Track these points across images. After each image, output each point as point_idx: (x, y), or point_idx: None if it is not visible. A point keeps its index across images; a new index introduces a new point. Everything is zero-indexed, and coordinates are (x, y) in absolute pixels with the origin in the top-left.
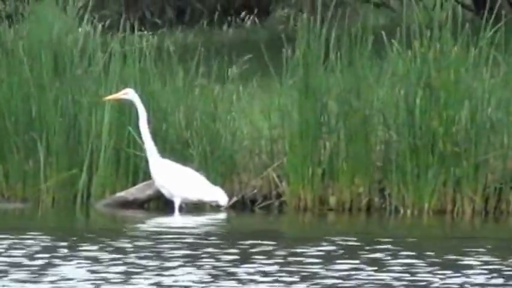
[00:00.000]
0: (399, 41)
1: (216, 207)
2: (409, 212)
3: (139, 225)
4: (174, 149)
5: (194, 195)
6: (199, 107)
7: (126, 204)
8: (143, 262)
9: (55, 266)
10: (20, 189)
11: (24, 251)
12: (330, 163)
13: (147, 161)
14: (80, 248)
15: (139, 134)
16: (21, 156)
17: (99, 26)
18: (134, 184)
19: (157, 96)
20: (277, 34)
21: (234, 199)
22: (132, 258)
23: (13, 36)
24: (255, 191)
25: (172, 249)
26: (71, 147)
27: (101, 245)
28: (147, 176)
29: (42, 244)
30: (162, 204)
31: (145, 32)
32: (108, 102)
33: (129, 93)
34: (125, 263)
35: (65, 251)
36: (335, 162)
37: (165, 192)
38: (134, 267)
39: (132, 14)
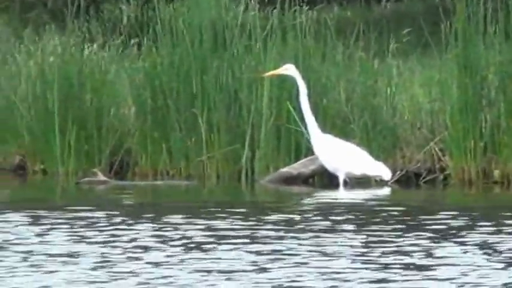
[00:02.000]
0: None
1: (380, 182)
2: None
3: (305, 199)
4: (335, 124)
5: (358, 170)
6: (359, 82)
7: (291, 179)
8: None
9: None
10: (184, 167)
11: (193, 226)
12: (492, 136)
13: (308, 136)
14: (246, 225)
15: (299, 109)
16: (183, 133)
17: (256, 2)
18: (297, 159)
19: (317, 71)
20: (435, 6)
21: (398, 174)
22: (299, 232)
23: (173, 14)
24: (419, 165)
25: (339, 222)
26: (232, 123)
27: (268, 219)
28: (310, 151)
29: (210, 222)
30: (326, 179)
31: (304, 7)
32: (268, 78)
33: (290, 69)
34: (293, 237)
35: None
36: (496, 136)
37: (329, 167)
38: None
39: None
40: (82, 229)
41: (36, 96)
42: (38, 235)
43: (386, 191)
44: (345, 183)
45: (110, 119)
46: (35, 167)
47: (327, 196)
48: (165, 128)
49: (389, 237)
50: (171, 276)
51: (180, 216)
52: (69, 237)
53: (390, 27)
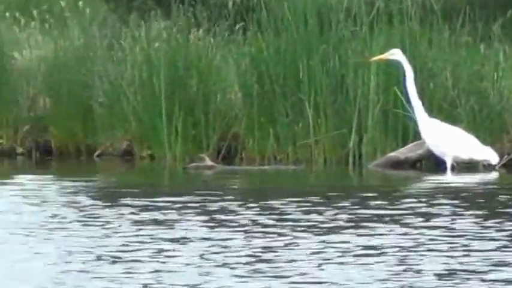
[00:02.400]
0: None
1: (487, 167)
2: None
3: (412, 184)
4: (441, 109)
5: (465, 155)
6: (466, 66)
7: (398, 164)
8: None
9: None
10: (291, 151)
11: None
12: None
13: (415, 121)
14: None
15: (406, 94)
16: (290, 118)
17: None
18: (404, 144)
19: (423, 56)
20: None
21: (505, 158)
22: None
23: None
24: None
25: (447, 206)
26: (339, 108)
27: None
28: (417, 136)
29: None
30: (433, 163)
31: None
32: (375, 62)
33: (396, 54)
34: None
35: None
36: None
37: (436, 151)
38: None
39: None
40: (190, 214)
41: (143, 82)
42: (145, 221)
43: (493, 175)
44: (452, 167)
45: (216, 104)
46: (142, 152)
47: (434, 180)
48: (272, 113)
49: (498, 222)
50: (293, 261)
51: (287, 200)
52: (177, 223)
53: (496, 12)
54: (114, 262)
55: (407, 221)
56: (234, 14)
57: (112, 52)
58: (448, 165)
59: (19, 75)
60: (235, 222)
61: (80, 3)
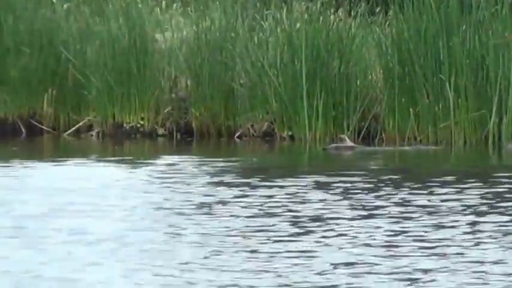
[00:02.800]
0: None
1: None
2: None
3: None
4: None
5: None
6: None
7: None
8: None
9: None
10: (431, 132)
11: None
12: None
13: None
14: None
15: None
16: (430, 99)
17: None
18: None
19: None
20: None
21: None
22: None
23: None
24: None
25: None
26: (480, 89)
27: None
28: None
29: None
30: None
31: None
32: None
33: None
34: None
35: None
36: None
37: None
38: None
39: None
40: (332, 194)
41: (284, 63)
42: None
43: None
44: None
45: (357, 85)
46: (282, 133)
47: None
48: (413, 94)
49: None
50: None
51: (432, 181)
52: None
53: None
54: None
55: None
56: None
57: (253, 33)
58: None
59: (161, 57)
60: (384, 206)
61: None
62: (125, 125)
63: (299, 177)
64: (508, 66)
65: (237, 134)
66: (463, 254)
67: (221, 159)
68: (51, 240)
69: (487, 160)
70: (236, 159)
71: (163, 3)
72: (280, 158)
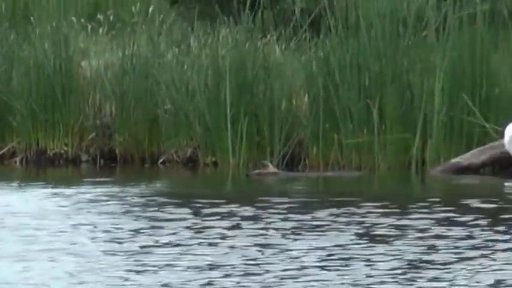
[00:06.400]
0: None
1: None
2: None
3: (476, 191)
4: (507, 114)
5: None
6: None
7: (461, 170)
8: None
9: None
10: (355, 158)
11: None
12: None
13: (481, 127)
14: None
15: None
16: (354, 124)
17: None
18: (468, 150)
19: (490, 60)
20: None
21: None
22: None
23: (348, 4)
24: None
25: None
26: (404, 113)
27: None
28: (482, 142)
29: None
30: (497, 169)
31: None
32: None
33: None
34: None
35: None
36: None
37: None
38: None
39: None
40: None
41: (209, 89)
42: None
43: None
44: None
45: (282, 111)
46: (206, 159)
47: (496, 187)
48: (337, 119)
49: None
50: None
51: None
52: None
53: None
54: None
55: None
56: (300, 21)
57: (179, 58)
58: None
59: (86, 83)
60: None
61: (150, 8)
62: (48, 151)
63: (218, 204)
64: (433, 91)
65: (160, 160)
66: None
67: (143, 184)
68: None
69: (409, 185)
70: (157, 184)
71: (89, 28)
72: (203, 184)
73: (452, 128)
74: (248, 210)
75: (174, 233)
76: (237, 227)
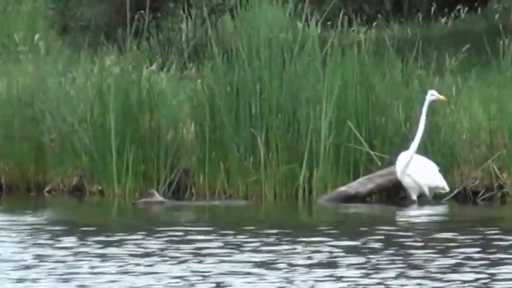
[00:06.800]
0: None
1: (436, 200)
2: None
3: (362, 219)
4: (392, 142)
5: (438, 182)
6: (418, 99)
7: (348, 198)
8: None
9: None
10: (242, 186)
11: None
12: None
13: (367, 155)
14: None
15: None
16: (241, 153)
17: (318, 21)
18: (355, 178)
19: (377, 89)
20: (494, 26)
21: (456, 191)
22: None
23: (233, 33)
24: (477, 182)
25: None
26: (291, 142)
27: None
28: (368, 170)
29: (265, 240)
30: (384, 197)
31: (362, 26)
32: (326, 96)
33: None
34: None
35: (289, 246)
36: None
37: (409, 182)
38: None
39: (350, 6)
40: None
41: (95, 117)
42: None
43: (444, 207)
44: (412, 201)
45: (168, 140)
46: (92, 188)
47: (385, 214)
48: (224, 148)
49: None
50: None
51: (236, 236)
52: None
53: (449, 45)
54: None
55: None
56: (187, 49)
57: (65, 88)
58: (414, 196)
59: None
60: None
61: (36, 36)
62: None
63: (102, 232)
64: (319, 119)
65: (46, 189)
66: None
67: (29, 213)
68: None
69: (295, 215)
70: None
71: None
72: (88, 212)
73: (338, 156)
74: (133, 239)
75: (61, 261)
76: (118, 255)
